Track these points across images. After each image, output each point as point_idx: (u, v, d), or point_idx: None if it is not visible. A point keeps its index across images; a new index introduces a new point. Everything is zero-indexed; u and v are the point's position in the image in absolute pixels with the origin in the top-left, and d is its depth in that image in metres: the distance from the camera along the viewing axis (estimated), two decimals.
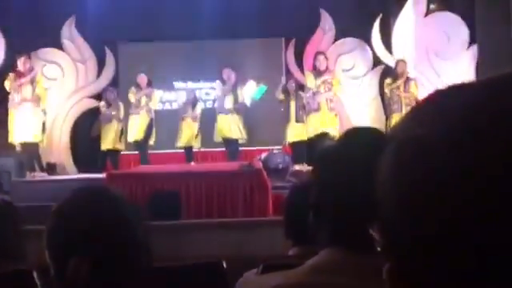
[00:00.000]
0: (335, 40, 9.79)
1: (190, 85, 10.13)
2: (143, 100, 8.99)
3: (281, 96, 8.97)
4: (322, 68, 8.68)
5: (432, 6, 9.46)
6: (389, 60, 9.33)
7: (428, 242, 0.50)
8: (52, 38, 9.64)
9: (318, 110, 8.63)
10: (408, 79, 8.71)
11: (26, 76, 8.36)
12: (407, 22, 9.35)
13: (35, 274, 2.16)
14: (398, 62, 8.84)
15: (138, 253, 1.33)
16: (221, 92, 9.14)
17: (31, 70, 8.51)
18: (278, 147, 8.70)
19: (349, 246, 1.21)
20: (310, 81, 8.75)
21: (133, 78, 9.14)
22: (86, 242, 1.28)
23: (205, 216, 5.55)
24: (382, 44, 9.48)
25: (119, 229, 1.31)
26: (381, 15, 9.44)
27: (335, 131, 8.52)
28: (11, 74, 8.39)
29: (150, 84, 9.07)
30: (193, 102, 9.23)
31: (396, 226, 0.54)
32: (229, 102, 9.03)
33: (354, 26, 9.64)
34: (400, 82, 8.65)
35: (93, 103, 9.67)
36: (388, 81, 8.81)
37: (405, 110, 8.51)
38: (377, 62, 9.59)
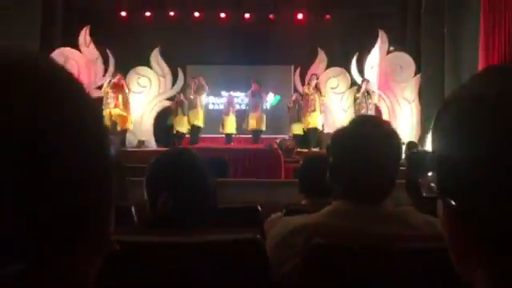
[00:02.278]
0: (327, 68, 9.57)
1: (232, 94, 9.96)
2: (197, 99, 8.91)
3: (290, 105, 8.98)
4: (313, 83, 8.70)
5: (391, 48, 9.24)
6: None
7: (494, 190, 0.37)
8: (144, 60, 9.56)
9: (313, 110, 8.55)
10: (368, 93, 8.63)
11: (118, 87, 8.48)
12: (375, 57, 9.14)
13: (133, 209, 2.07)
14: (362, 81, 8.84)
15: (208, 195, 1.23)
16: (251, 99, 9.04)
17: (121, 83, 8.63)
18: (288, 136, 8.62)
19: (357, 198, 1.12)
20: (306, 89, 8.75)
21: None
22: (173, 185, 1.18)
23: (239, 177, 5.49)
24: (357, 71, 9.26)
25: (196, 177, 1.21)
26: (358, 53, 9.22)
27: (320, 126, 8.59)
28: (108, 84, 8.54)
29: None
30: (231, 104, 9.15)
31: (456, 175, 0.40)
32: (256, 106, 8.93)
33: (339, 59, 9.46)
34: (361, 92, 8.60)
35: (168, 103, 9.58)
36: (356, 93, 8.84)
37: (366, 113, 8.41)
38: (353, 83, 9.35)
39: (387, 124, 1.21)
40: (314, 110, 8.58)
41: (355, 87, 9.19)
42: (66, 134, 0.33)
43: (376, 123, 1.21)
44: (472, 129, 0.39)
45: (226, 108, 9.27)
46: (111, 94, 8.49)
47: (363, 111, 8.50)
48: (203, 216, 1.22)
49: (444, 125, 0.43)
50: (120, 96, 8.56)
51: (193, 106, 8.91)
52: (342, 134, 1.20)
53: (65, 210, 0.33)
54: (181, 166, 1.21)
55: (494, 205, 0.37)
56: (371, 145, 1.11)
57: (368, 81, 8.80)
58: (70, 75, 0.37)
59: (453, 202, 0.41)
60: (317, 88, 8.71)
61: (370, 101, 8.62)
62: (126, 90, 8.69)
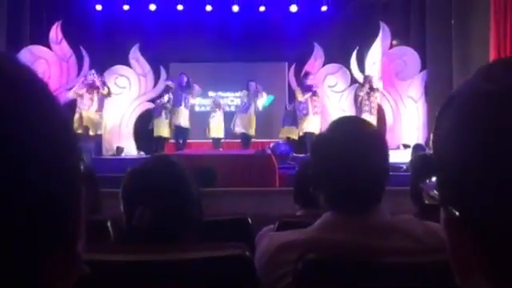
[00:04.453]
0: (324, 64, 9.59)
1: (220, 94, 9.99)
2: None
3: (289, 108, 8.99)
4: (309, 82, 8.60)
5: (394, 42, 9.30)
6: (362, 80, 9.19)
7: (491, 197, 0.36)
8: (123, 59, 9.54)
9: (307, 114, 8.54)
10: (373, 90, 8.55)
11: (94, 88, 8.44)
12: (377, 52, 9.20)
13: (109, 223, 2.06)
14: (365, 77, 8.78)
15: (191, 206, 1.23)
16: (247, 98, 9.04)
17: (94, 83, 8.51)
18: (282, 140, 8.61)
19: (342, 208, 1.14)
20: (298, 95, 8.66)
21: None
22: (150, 196, 1.18)
23: (229, 186, 5.46)
24: (357, 68, 9.30)
25: (176, 186, 1.20)
26: (357, 47, 9.26)
27: (317, 129, 8.50)
28: (81, 85, 8.46)
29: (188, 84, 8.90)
30: (217, 105, 9.16)
31: (460, 181, 0.39)
32: (249, 106, 8.93)
33: (338, 55, 9.47)
34: (366, 87, 8.52)
35: (150, 105, 9.56)
36: (359, 89, 8.77)
37: (370, 112, 8.40)
38: (353, 81, 9.38)
39: (369, 125, 1.24)
40: (307, 114, 8.57)
41: (355, 85, 9.18)
42: (28, 139, 0.33)
43: (357, 125, 1.23)
44: (473, 128, 0.38)
45: (212, 109, 9.26)
46: (86, 95, 8.42)
47: (366, 110, 8.47)
48: (186, 230, 1.21)
49: (444, 124, 0.41)
50: (95, 98, 8.51)
51: (178, 104, 8.85)
52: (320, 139, 1.23)
53: (25, 222, 0.33)
54: (159, 174, 1.20)
55: (496, 209, 0.36)
56: (352, 149, 1.12)
57: (372, 77, 8.74)
58: (34, 76, 0.37)
59: (456, 212, 0.40)
60: (309, 88, 8.60)
61: (372, 99, 8.57)
62: (105, 91, 8.59)
